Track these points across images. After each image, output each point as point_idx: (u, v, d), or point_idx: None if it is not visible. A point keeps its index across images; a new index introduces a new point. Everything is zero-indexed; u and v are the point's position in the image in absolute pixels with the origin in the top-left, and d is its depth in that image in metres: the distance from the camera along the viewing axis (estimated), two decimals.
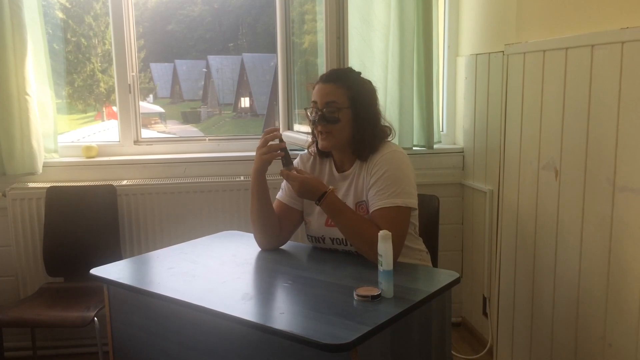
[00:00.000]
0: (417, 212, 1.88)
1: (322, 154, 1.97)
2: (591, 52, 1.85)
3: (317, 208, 1.85)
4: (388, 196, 1.76)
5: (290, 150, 1.93)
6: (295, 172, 1.80)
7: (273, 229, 1.93)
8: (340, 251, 1.89)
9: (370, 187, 1.82)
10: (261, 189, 1.88)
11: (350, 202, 1.87)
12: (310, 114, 1.87)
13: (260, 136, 1.87)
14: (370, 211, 1.80)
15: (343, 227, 1.79)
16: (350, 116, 1.83)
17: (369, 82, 1.93)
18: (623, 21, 1.74)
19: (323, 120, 1.83)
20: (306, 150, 2.04)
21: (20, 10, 2.68)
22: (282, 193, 2.00)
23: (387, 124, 1.93)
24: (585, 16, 1.97)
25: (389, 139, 1.92)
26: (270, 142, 1.83)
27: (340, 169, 1.93)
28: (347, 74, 1.91)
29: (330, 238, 1.89)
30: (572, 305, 2.00)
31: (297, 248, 2.00)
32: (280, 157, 1.83)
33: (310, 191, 1.78)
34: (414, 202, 1.80)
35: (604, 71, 1.81)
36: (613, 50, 1.76)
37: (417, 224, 1.92)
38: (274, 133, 1.84)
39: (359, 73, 1.94)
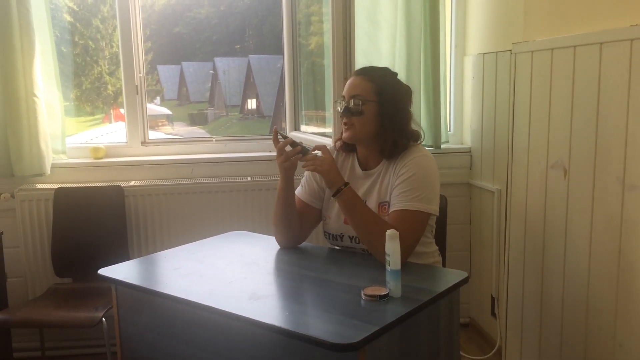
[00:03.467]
0: (435, 216, 1.87)
1: (347, 148, 1.97)
2: (600, 50, 1.84)
3: (337, 205, 1.84)
4: (412, 199, 1.76)
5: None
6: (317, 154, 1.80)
7: (294, 230, 1.94)
8: (358, 250, 1.89)
9: (395, 187, 1.81)
10: (289, 195, 1.88)
11: (373, 202, 1.86)
12: (339, 108, 1.88)
13: (266, 136, 1.87)
14: (391, 210, 1.79)
15: (356, 223, 1.78)
16: (375, 110, 1.82)
17: (405, 86, 1.93)
18: (632, 18, 1.73)
19: (347, 112, 1.84)
20: (332, 144, 2.04)
21: (28, 12, 2.70)
22: (301, 190, 1.99)
23: (417, 128, 1.92)
24: (593, 14, 1.95)
25: (419, 143, 1.90)
26: (286, 148, 1.82)
27: (363, 167, 1.93)
28: (379, 70, 1.92)
29: (349, 236, 1.89)
30: (582, 305, 1.98)
31: (306, 248, 2.00)
32: (299, 152, 1.81)
33: (332, 177, 1.77)
34: (435, 209, 1.80)
35: (613, 69, 1.79)
36: (622, 48, 1.74)
37: (434, 225, 1.92)
38: (286, 140, 1.82)
39: (395, 74, 1.94)
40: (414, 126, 1.91)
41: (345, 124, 1.86)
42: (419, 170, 1.79)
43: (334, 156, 1.99)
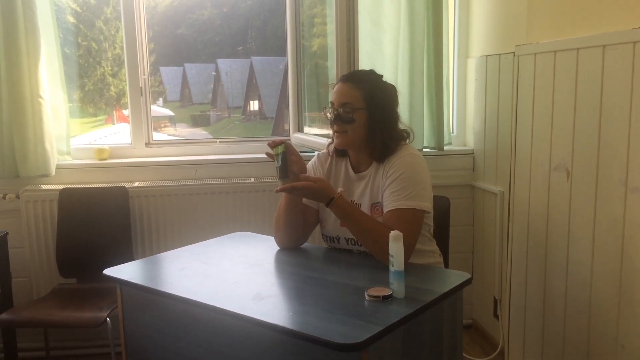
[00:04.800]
0: (432, 214, 1.88)
1: (339, 153, 1.98)
2: (602, 53, 1.85)
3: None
4: (402, 198, 1.77)
5: (301, 152, 1.95)
6: (296, 178, 1.78)
7: (297, 229, 1.94)
8: (355, 252, 1.90)
9: (385, 188, 1.82)
10: (297, 199, 1.88)
11: (366, 203, 1.88)
12: (329, 114, 1.89)
13: (270, 138, 1.88)
14: (384, 211, 1.81)
15: (353, 229, 1.80)
16: (365, 117, 1.84)
17: (391, 86, 1.94)
18: (635, 21, 1.74)
19: (338, 120, 1.85)
20: (325, 150, 2.05)
21: (34, 14, 2.71)
22: None
23: (405, 127, 1.94)
24: (596, 16, 1.96)
25: (407, 142, 1.92)
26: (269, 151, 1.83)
27: (356, 170, 1.94)
28: (366, 75, 1.92)
29: (345, 238, 1.90)
30: (584, 307, 1.99)
31: (309, 249, 2.01)
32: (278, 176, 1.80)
33: (316, 196, 1.79)
34: (428, 205, 1.81)
35: (616, 71, 1.80)
36: (625, 50, 1.75)
37: (432, 224, 1.93)
38: (267, 153, 1.84)
39: (381, 76, 1.94)
40: (401, 126, 1.93)
41: (336, 131, 1.88)
42: (406, 168, 1.80)
43: (327, 163, 2.00)
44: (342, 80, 1.90)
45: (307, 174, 1.98)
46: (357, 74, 1.95)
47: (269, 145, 1.84)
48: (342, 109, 1.84)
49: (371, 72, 1.96)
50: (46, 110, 2.77)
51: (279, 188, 1.77)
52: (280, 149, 1.80)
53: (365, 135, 1.85)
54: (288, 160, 1.80)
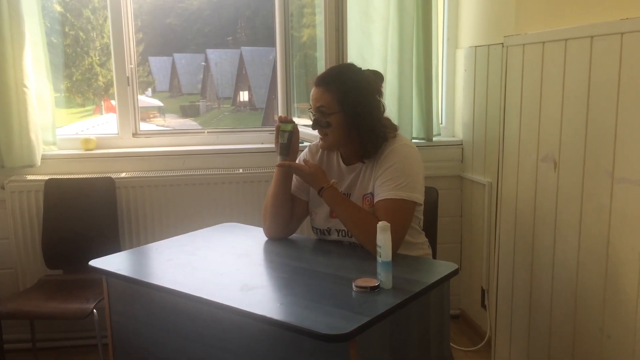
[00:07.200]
0: (422, 207, 1.88)
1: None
2: (590, 44, 1.85)
3: (323, 201, 1.86)
4: (393, 188, 1.76)
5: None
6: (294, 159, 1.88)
7: (285, 216, 1.94)
8: (345, 243, 1.90)
9: (377, 177, 1.82)
10: (284, 177, 1.92)
11: (356, 194, 1.88)
12: (310, 118, 1.91)
13: (259, 129, 1.88)
14: (375, 202, 1.80)
15: (343, 219, 1.81)
16: (341, 119, 1.82)
17: (369, 79, 1.87)
18: (622, 12, 1.74)
19: (316, 125, 1.87)
20: (317, 141, 2.04)
21: (18, 1, 2.67)
22: None
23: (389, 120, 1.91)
24: (584, 7, 1.96)
25: (395, 133, 1.89)
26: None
27: (347, 162, 1.94)
28: (339, 75, 1.85)
29: (336, 230, 1.90)
30: (571, 297, 2.01)
31: (297, 240, 2.01)
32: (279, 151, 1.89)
33: (309, 181, 1.86)
34: (419, 197, 1.80)
35: (604, 62, 1.80)
36: (612, 41, 1.75)
37: (422, 218, 1.93)
38: (276, 126, 1.91)
39: (359, 69, 1.87)
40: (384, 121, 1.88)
41: (318, 133, 1.90)
42: (399, 159, 1.80)
43: (317, 155, 2.01)
44: (315, 84, 1.86)
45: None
46: (328, 75, 1.86)
47: (279, 119, 1.90)
48: (317, 114, 1.85)
49: (346, 69, 1.88)
50: (31, 100, 2.74)
51: (279, 162, 1.87)
52: (289, 127, 1.88)
53: (346, 135, 1.85)
54: (293, 140, 1.88)
